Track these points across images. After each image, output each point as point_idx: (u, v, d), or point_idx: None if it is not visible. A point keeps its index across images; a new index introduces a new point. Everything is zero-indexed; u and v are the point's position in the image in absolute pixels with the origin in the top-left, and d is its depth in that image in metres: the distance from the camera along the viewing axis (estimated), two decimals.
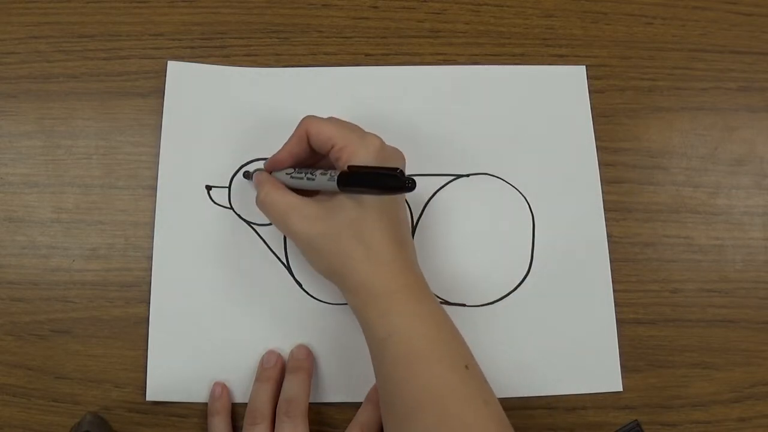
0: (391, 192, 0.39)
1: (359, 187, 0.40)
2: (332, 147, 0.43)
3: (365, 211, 0.41)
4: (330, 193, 0.43)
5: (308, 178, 0.44)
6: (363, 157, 0.41)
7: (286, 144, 0.45)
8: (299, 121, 0.45)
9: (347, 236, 0.41)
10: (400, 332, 0.40)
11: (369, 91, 0.52)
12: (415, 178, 0.50)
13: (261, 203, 0.45)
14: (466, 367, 0.40)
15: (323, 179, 0.42)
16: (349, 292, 0.42)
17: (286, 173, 0.46)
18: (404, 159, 0.45)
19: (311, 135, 0.44)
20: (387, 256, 0.41)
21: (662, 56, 0.54)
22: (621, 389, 0.48)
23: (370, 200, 0.41)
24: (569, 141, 0.52)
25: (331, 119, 0.44)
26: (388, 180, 0.38)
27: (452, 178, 0.51)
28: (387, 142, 0.43)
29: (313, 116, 0.44)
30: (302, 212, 0.43)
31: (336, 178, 0.40)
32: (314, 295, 0.49)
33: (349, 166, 0.40)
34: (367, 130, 0.45)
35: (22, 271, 0.49)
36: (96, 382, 0.47)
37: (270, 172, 0.47)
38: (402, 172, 0.38)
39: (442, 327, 0.41)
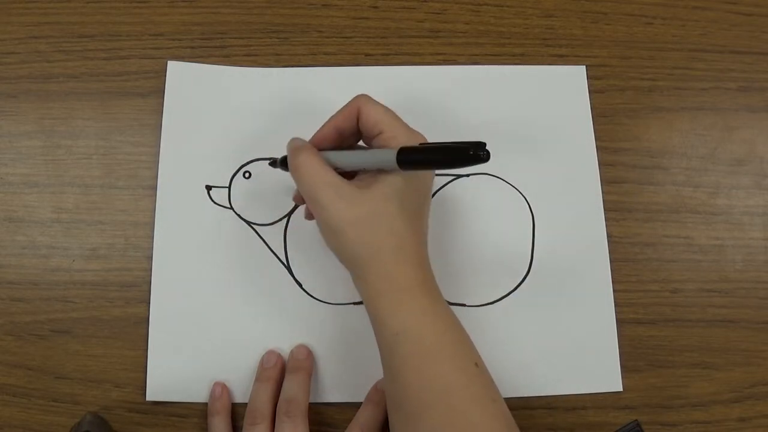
0: (466, 163, 0.36)
1: (425, 162, 0.38)
2: (380, 133, 0.41)
3: (405, 205, 0.40)
4: (368, 181, 0.41)
5: (356, 154, 0.41)
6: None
7: (333, 117, 0.43)
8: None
9: (381, 227, 0.40)
10: (412, 328, 0.40)
11: (369, 91, 0.52)
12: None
13: (296, 169, 0.41)
14: (476, 365, 0.40)
15: (376, 153, 0.40)
16: (367, 283, 0.41)
17: (330, 151, 0.43)
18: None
19: (362, 113, 0.42)
20: (414, 251, 0.41)
21: (662, 56, 0.54)
22: (621, 389, 0.48)
23: (412, 196, 0.40)
24: (569, 141, 0.52)
25: (384, 105, 0.43)
26: (459, 151, 0.36)
27: (452, 178, 0.51)
28: None
29: (368, 96, 0.43)
30: (340, 190, 0.40)
31: (395, 151, 0.38)
32: (314, 295, 0.49)
33: (402, 148, 0.38)
34: None
35: (22, 271, 0.49)
36: (96, 382, 0.47)
37: None
38: (484, 145, 0.36)
39: (452, 326, 0.41)
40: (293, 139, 0.43)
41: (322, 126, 0.43)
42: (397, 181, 0.40)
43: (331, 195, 0.40)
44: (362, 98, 0.43)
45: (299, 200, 0.48)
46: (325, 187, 0.40)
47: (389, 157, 0.38)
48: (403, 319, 0.40)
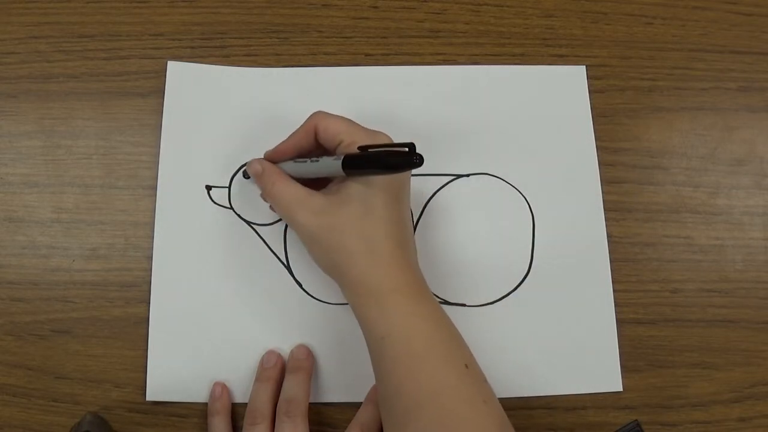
0: (398, 170, 0.38)
1: (366, 169, 0.39)
2: (340, 143, 0.42)
3: (371, 208, 0.41)
4: (336, 188, 0.43)
5: (312, 161, 0.43)
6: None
7: (292, 136, 0.45)
8: (304, 118, 0.45)
9: (351, 232, 0.41)
10: (398, 331, 0.40)
11: (369, 91, 0.52)
12: (414, 178, 0.51)
13: (267, 194, 0.45)
14: (466, 366, 0.40)
15: (328, 161, 0.41)
16: (349, 289, 0.42)
17: (289, 159, 0.45)
18: None
19: (320, 130, 0.43)
20: (388, 254, 0.41)
21: (662, 56, 0.54)
22: (621, 389, 0.48)
23: (376, 198, 0.41)
24: (569, 141, 0.52)
25: (340, 116, 0.44)
26: (393, 158, 0.37)
27: (452, 178, 0.51)
28: None
29: (323, 112, 0.44)
30: (308, 204, 0.42)
31: (342, 159, 0.40)
32: (314, 295, 0.49)
33: (358, 147, 0.40)
34: None
35: (22, 271, 0.49)
36: (96, 382, 0.47)
37: (272, 162, 0.46)
38: (414, 147, 0.37)
39: (441, 326, 0.41)
40: (251, 162, 0.46)
41: (281, 143, 0.45)
42: (360, 186, 0.41)
43: (301, 209, 0.42)
44: (318, 115, 0.44)
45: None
46: (295, 202, 0.43)
47: (336, 165, 0.40)
48: (388, 323, 0.40)
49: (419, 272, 0.44)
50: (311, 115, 0.44)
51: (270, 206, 0.47)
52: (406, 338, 0.40)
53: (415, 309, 0.41)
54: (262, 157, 0.47)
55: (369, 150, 0.39)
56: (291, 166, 0.45)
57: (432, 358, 0.40)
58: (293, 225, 0.44)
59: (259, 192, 0.50)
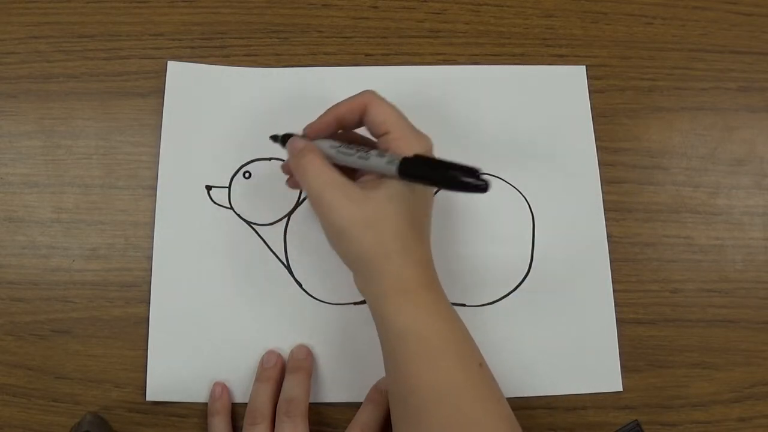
0: (464, 190, 0.36)
1: (426, 178, 0.38)
2: (386, 133, 0.41)
3: (409, 209, 0.40)
4: (374, 183, 0.40)
5: (360, 156, 0.40)
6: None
7: (336, 107, 0.42)
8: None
9: (388, 228, 0.40)
10: (417, 327, 0.40)
11: None
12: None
13: (302, 172, 0.41)
14: (480, 365, 0.40)
15: (379, 161, 0.39)
16: (372, 283, 0.41)
17: (331, 146, 0.42)
18: None
19: (370, 111, 0.41)
20: (418, 253, 0.41)
21: (662, 56, 0.54)
22: (621, 389, 0.48)
23: (417, 201, 0.41)
24: (569, 141, 0.52)
25: (391, 104, 0.42)
26: (463, 175, 0.36)
27: None
28: None
29: (375, 93, 0.42)
30: (345, 191, 0.40)
31: (398, 162, 0.38)
32: (314, 295, 0.49)
33: (415, 155, 0.39)
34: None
35: (22, 271, 0.49)
36: (96, 382, 0.47)
37: (311, 138, 0.44)
38: (480, 172, 0.36)
39: (457, 326, 0.41)
40: (294, 139, 0.43)
41: (324, 114, 0.43)
42: (403, 188, 0.40)
43: (338, 196, 0.39)
44: (370, 95, 0.42)
45: (287, 170, 0.46)
46: (332, 188, 0.40)
47: (389, 168, 0.39)
48: (408, 319, 0.40)
49: (435, 272, 0.43)
50: (362, 93, 0.42)
51: (299, 195, 0.45)
52: (424, 336, 0.40)
53: (434, 307, 0.41)
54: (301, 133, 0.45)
55: (433, 161, 0.38)
56: (331, 153, 0.42)
57: (448, 356, 0.40)
58: (326, 211, 0.40)
59: (260, 192, 0.50)
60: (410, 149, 0.40)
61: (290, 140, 0.43)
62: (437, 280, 0.42)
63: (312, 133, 0.43)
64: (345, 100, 0.43)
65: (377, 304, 0.41)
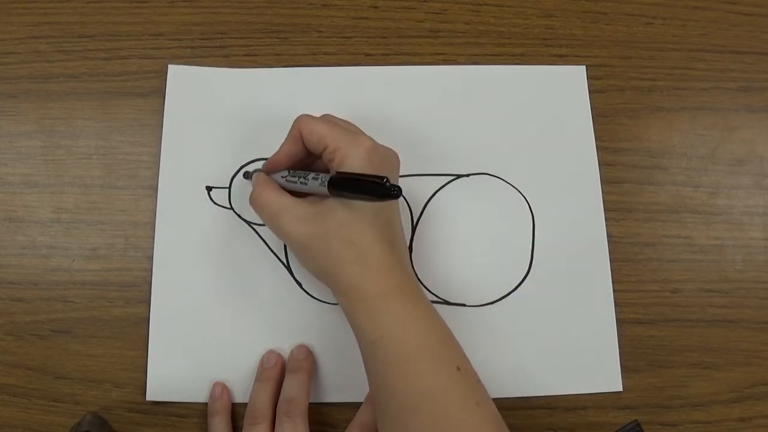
0: (378, 199, 0.39)
1: (348, 193, 0.40)
2: (325, 148, 0.42)
3: (356, 213, 0.41)
4: (323, 195, 0.43)
5: (301, 183, 0.44)
6: (355, 159, 0.41)
7: (282, 145, 0.45)
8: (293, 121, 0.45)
9: (337, 238, 0.41)
10: (390, 334, 0.40)
11: (369, 91, 0.52)
12: (414, 178, 0.51)
13: (253, 202, 0.45)
14: (458, 368, 0.40)
15: (315, 183, 0.42)
16: (340, 294, 0.42)
17: (282, 176, 0.45)
18: (398, 159, 0.45)
19: (304, 135, 0.43)
20: (377, 258, 0.41)
21: (662, 56, 0.54)
22: (621, 389, 0.48)
23: (361, 203, 0.41)
24: (569, 141, 0.52)
25: (324, 118, 0.44)
26: (374, 187, 0.38)
27: (452, 178, 0.51)
28: (386, 143, 0.43)
29: (307, 115, 0.44)
30: (293, 213, 0.43)
31: (326, 183, 0.41)
32: (314, 295, 0.49)
33: (337, 172, 0.41)
34: (366, 130, 0.44)
35: (22, 271, 0.49)
36: (96, 382, 0.47)
37: (268, 174, 0.47)
38: (388, 180, 0.38)
39: (433, 329, 0.41)
40: (255, 174, 0.47)
41: (275, 154, 0.45)
42: (338, 201, 0.41)
43: (286, 217, 0.43)
44: (301, 119, 0.44)
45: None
46: (281, 211, 0.43)
47: (323, 189, 0.41)
48: (379, 326, 0.40)
49: (411, 274, 0.43)
50: (295, 120, 0.44)
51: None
52: (397, 341, 0.40)
53: (406, 312, 0.41)
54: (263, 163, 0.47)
55: (349, 176, 0.40)
56: (282, 182, 0.45)
57: (423, 360, 0.40)
58: (279, 233, 0.44)
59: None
60: (348, 157, 0.41)
61: (253, 176, 0.47)
62: (411, 282, 0.42)
63: (268, 169, 0.46)
64: (287, 135, 0.45)
65: (347, 313, 0.42)
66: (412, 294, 0.42)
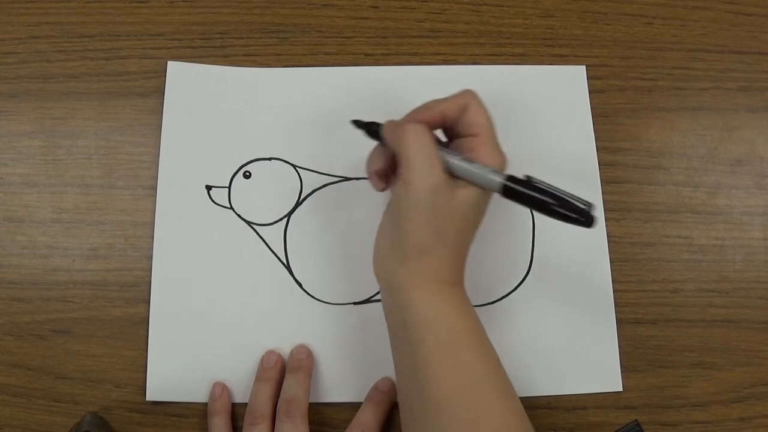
0: (573, 222, 0.38)
1: (528, 203, 0.39)
2: (475, 135, 0.41)
3: (474, 213, 0.41)
4: (456, 181, 0.41)
5: (462, 159, 0.40)
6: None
7: (439, 103, 0.42)
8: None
9: (453, 225, 0.40)
10: (446, 318, 0.40)
11: (369, 91, 0.52)
12: None
13: (411, 131, 0.40)
14: (498, 362, 0.42)
15: (482, 169, 0.40)
16: (411, 269, 0.41)
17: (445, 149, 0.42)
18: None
19: (469, 110, 0.42)
20: (462, 254, 0.42)
21: (662, 56, 0.54)
22: (621, 389, 0.48)
23: (483, 209, 0.42)
24: (569, 141, 0.52)
25: (486, 110, 0.43)
26: (576, 209, 0.38)
27: None
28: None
29: (476, 94, 0.42)
30: (443, 175, 0.40)
31: (506, 178, 0.39)
32: (314, 295, 0.49)
33: (527, 177, 0.40)
34: None
35: (22, 271, 0.49)
36: (96, 382, 0.47)
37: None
38: (592, 207, 0.38)
39: (478, 324, 0.42)
40: (399, 121, 0.43)
41: (429, 108, 0.42)
42: (481, 196, 0.41)
43: (437, 172, 0.40)
44: (472, 94, 0.42)
45: (378, 165, 0.44)
46: (435, 161, 0.40)
47: (491, 182, 0.39)
48: (438, 309, 0.41)
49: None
50: (464, 92, 0.42)
51: (370, 162, 0.44)
52: (452, 325, 0.41)
53: (461, 303, 0.42)
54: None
55: (542, 188, 0.39)
56: (440, 151, 0.41)
57: (472, 349, 0.41)
58: (419, 179, 0.39)
59: (260, 192, 0.50)
60: (489, 159, 0.41)
61: (391, 121, 0.43)
62: (463, 277, 0.44)
63: (414, 118, 0.43)
64: (448, 97, 0.42)
65: (407, 290, 0.41)
66: (465, 290, 0.43)
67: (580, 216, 0.38)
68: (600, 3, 0.55)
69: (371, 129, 0.44)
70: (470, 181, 0.41)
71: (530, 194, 0.39)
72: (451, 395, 0.39)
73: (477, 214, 0.42)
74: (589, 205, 0.38)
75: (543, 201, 0.39)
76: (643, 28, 0.55)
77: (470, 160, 0.41)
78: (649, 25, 0.55)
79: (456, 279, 0.42)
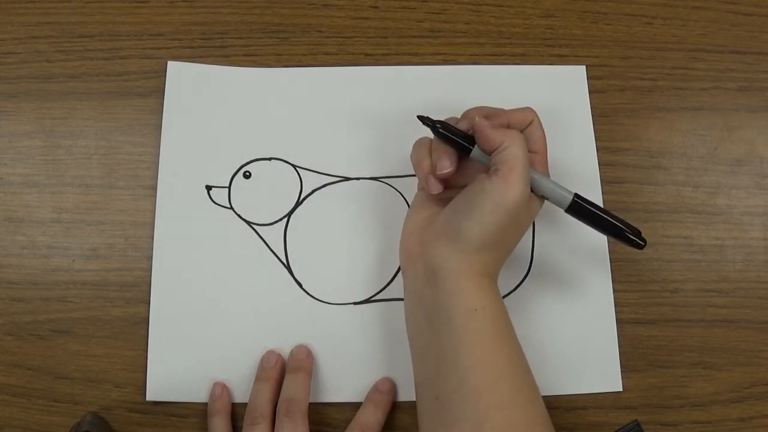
0: (623, 241, 0.44)
1: (587, 220, 0.44)
2: (535, 152, 0.44)
3: (529, 219, 0.44)
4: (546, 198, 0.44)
5: (537, 173, 0.43)
6: (513, 187, 0.41)
7: (506, 113, 0.45)
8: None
9: (519, 228, 0.44)
10: (492, 307, 0.42)
11: (369, 91, 0.52)
12: (414, 178, 0.50)
13: (520, 138, 0.42)
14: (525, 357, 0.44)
15: (557, 187, 0.43)
16: (469, 258, 0.42)
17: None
18: None
19: (532, 128, 0.44)
20: (507, 244, 0.44)
21: (662, 56, 0.54)
22: (621, 389, 0.48)
23: (534, 214, 0.44)
24: (569, 141, 0.52)
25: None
26: (630, 233, 0.43)
27: None
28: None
29: (537, 113, 0.45)
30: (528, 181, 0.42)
31: (573, 195, 0.43)
32: (314, 295, 0.49)
33: (578, 196, 0.43)
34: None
35: (22, 271, 0.49)
36: (96, 382, 0.47)
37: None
38: (640, 233, 0.43)
39: (510, 319, 0.44)
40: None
41: (496, 116, 0.44)
42: (539, 204, 0.44)
43: (529, 183, 0.42)
44: (534, 112, 0.45)
45: (450, 167, 0.44)
46: (529, 173, 0.42)
47: (563, 198, 0.43)
48: (486, 299, 0.42)
49: None
50: (527, 108, 0.45)
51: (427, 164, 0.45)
52: (497, 314, 0.42)
53: (500, 296, 0.44)
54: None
55: (596, 207, 0.44)
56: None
57: (511, 339, 0.43)
58: (515, 185, 0.41)
59: (260, 192, 0.50)
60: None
61: (486, 121, 0.43)
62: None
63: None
64: (512, 110, 0.45)
65: (459, 278, 0.42)
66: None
67: (637, 237, 0.43)
68: (600, 3, 0.55)
69: (441, 129, 0.44)
70: (542, 195, 0.44)
71: (594, 212, 0.43)
72: (496, 378, 0.40)
73: (531, 222, 0.46)
74: (638, 232, 0.43)
75: (602, 218, 0.44)
76: (643, 28, 0.55)
77: (544, 176, 0.44)
78: (649, 25, 0.55)
79: (497, 274, 0.44)
